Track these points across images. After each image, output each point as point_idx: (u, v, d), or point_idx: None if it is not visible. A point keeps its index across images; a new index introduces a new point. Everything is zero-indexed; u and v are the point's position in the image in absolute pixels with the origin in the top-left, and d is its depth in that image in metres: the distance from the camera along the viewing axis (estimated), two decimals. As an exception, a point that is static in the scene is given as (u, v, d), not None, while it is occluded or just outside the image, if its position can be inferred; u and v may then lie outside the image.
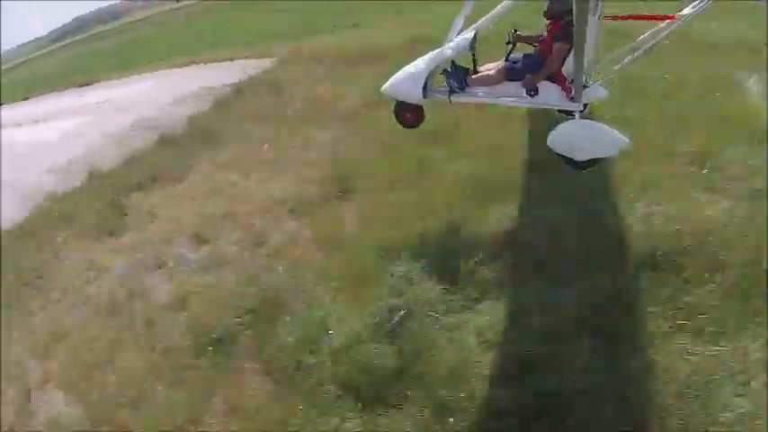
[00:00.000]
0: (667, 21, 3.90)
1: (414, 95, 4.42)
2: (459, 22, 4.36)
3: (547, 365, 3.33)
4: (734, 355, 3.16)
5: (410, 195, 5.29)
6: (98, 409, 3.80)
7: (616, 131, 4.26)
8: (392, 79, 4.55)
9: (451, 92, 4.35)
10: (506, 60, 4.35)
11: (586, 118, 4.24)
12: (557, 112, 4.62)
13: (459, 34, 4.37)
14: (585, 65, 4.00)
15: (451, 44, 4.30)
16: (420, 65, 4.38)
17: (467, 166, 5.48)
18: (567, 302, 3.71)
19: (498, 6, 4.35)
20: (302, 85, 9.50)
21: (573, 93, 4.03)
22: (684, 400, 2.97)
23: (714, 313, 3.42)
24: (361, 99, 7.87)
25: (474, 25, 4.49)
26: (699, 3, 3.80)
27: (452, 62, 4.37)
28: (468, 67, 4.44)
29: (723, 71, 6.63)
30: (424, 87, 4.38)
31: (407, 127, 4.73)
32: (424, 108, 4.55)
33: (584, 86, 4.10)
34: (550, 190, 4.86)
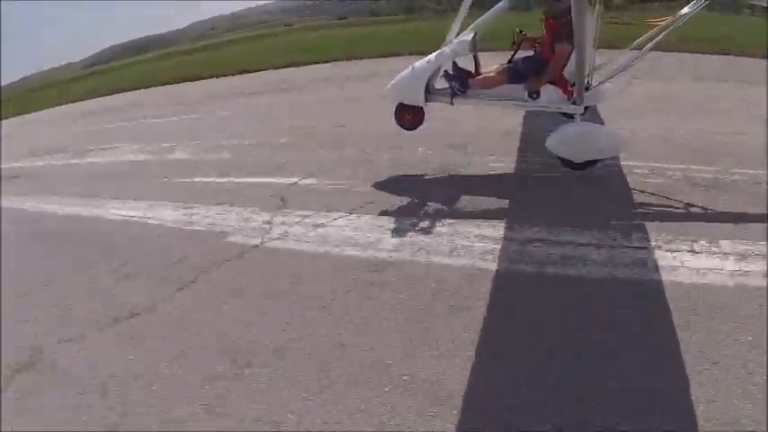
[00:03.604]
0: (666, 21, 3.90)
1: (416, 98, 4.42)
2: (458, 23, 4.36)
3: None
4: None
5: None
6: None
7: (616, 132, 4.22)
8: (394, 81, 4.54)
9: (453, 94, 4.34)
10: (511, 62, 4.35)
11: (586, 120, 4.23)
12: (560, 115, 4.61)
13: (457, 36, 4.37)
14: (587, 67, 4.00)
15: (452, 46, 4.28)
16: (422, 67, 4.37)
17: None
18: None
19: (495, 6, 4.41)
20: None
21: (575, 95, 4.02)
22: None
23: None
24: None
25: (472, 26, 4.50)
26: (697, 2, 3.79)
27: (454, 64, 4.36)
28: (469, 69, 4.44)
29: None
30: (426, 90, 4.40)
31: (406, 128, 4.69)
32: (424, 110, 4.54)
33: (586, 89, 4.09)
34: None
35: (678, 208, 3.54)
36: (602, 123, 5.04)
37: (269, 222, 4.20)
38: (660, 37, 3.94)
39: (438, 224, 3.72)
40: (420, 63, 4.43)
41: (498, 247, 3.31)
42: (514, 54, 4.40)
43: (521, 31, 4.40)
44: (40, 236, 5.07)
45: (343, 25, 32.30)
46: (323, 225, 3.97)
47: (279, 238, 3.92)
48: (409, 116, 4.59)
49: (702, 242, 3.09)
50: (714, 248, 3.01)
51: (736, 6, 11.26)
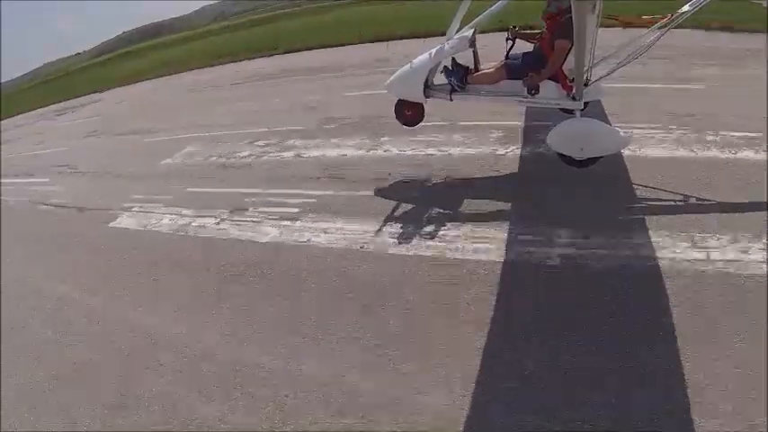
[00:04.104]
0: (666, 19, 3.87)
1: (415, 94, 4.45)
2: (458, 19, 4.35)
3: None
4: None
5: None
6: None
7: (617, 129, 4.20)
8: (393, 78, 4.56)
9: (452, 90, 4.36)
10: (507, 58, 4.35)
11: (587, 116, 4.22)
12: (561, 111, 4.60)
13: (458, 32, 4.37)
14: (586, 63, 3.99)
15: (452, 42, 4.30)
16: (421, 63, 4.39)
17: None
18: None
19: (496, 3, 4.39)
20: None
21: (574, 91, 4.01)
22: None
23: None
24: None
25: (473, 22, 4.49)
26: (697, 0, 3.75)
27: (453, 60, 4.37)
28: (468, 65, 4.45)
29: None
30: (426, 86, 4.42)
31: (407, 125, 4.74)
32: (424, 105, 4.58)
33: (585, 85, 4.09)
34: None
35: None
36: (606, 120, 5.01)
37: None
38: (658, 38, 3.91)
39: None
40: (419, 59, 4.44)
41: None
42: (510, 50, 4.40)
43: (515, 27, 4.40)
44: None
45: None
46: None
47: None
48: (409, 112, 4.64)
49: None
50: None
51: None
